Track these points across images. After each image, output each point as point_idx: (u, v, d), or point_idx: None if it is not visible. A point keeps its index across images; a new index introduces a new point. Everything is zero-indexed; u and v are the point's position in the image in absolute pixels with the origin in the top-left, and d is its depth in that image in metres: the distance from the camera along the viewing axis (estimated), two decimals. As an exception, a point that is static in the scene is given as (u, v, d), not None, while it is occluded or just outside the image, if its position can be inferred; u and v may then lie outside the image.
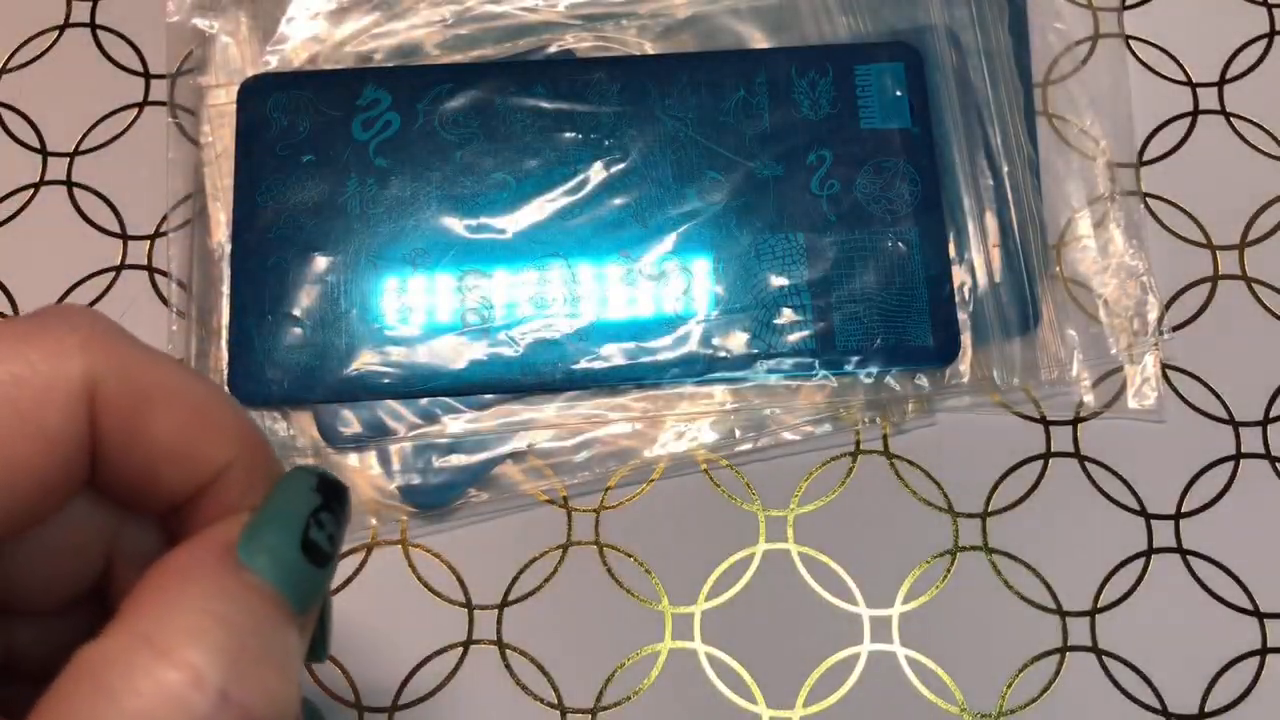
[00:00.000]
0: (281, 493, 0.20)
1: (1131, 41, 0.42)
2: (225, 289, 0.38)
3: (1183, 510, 0.36)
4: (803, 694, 0.34)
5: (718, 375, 0.37)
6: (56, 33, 0.42)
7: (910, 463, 0.37)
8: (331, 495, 0.20)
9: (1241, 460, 0.37)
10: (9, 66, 0.42)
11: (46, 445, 0.18)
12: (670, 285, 0.37)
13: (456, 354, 0.37)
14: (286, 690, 0.17)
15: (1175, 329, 0.38)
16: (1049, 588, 0.35)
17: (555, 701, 0.34)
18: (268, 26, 0.41)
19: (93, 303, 0.39)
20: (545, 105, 0.39)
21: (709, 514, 0.36)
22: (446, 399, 0.37)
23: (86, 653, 0.17)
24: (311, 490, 0.20)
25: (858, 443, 0.37)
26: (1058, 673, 0.34)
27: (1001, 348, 0.38)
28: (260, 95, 0.39)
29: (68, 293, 0.39)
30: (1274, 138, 0.40)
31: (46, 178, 0.40)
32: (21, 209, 0.40)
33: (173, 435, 0.19)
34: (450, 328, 0.37)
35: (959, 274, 0.38)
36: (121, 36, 0.42)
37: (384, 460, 0.37)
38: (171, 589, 0.17)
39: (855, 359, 0.37)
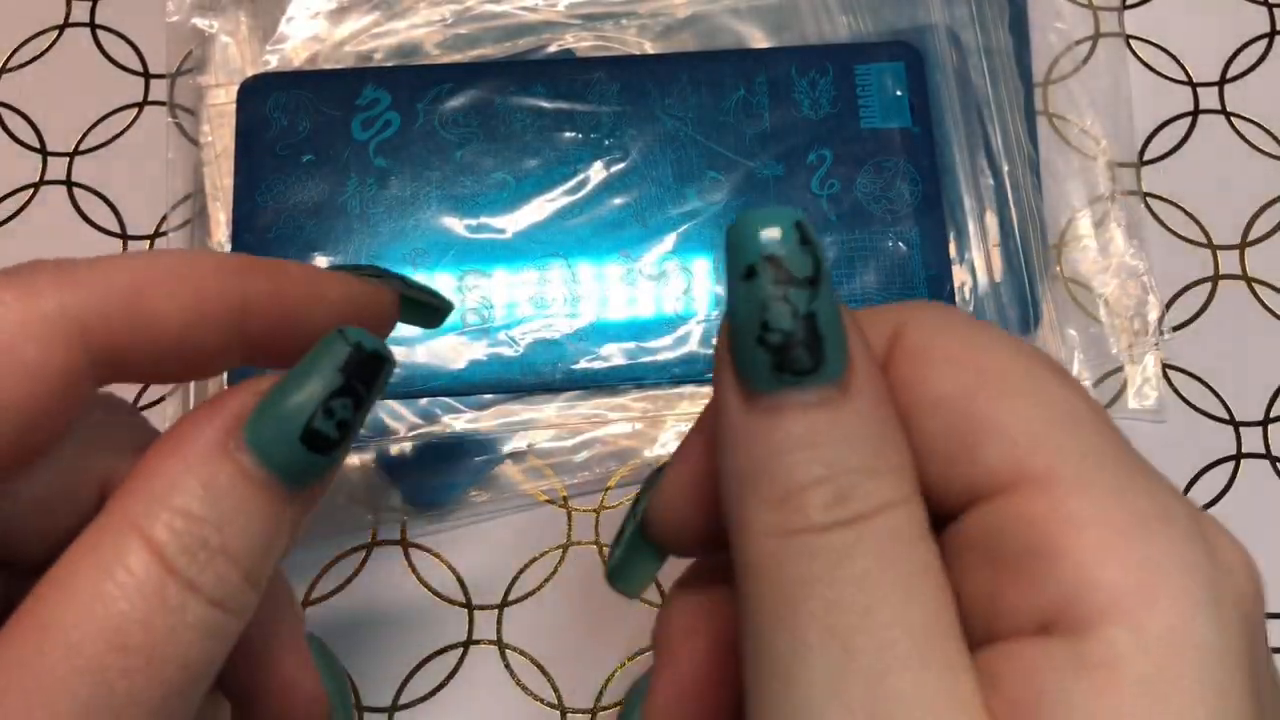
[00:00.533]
0: (301, 370, 0.20)
1: (1132, 41, 0.42)
2: (225, 289, 0.38)
3: (1183, 510, 0.36)
4: (803, 694, 0.34)
5: (718, 375, 0.37)
6: (56, 32, 0.42)
7: (910, 463, 0.37)
8: (357, 374, 0.20)
9: (1242, 460, 0.37)
10: (9, 66, 0.42)
11: (28, 378, 0.18)
12: (670, 285, 0.37)
13: (456, 354, 0.37)
14: (239, 580, 0.19)
15: (1176, 329, 0.38)
16: (1049, 588, 0.35)
17: (555, 701, 0.34)
18: (267, 26, 0.41)
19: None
20: (545, 105, 0.39)
21: (709, 514, 0.36)
22: (446, 399, 0.37)
23: (89, 532, 0.18)
24: (336, 370, 0.20)
25: (858, 443, 0.37)
26: (1058, 673, 0.34)
27: (1002, 347, 0.37)
28: (260, 95, 0.39)
29: (67, 293, 0.39)
30: (1274, 137, 0.40)
31: (46, 178, 0.40)
32: (21, 209, 0.40)
33: (177, 305, 0.20)
34: (450, 328, 0.37)
35: (959, 274, 0.38)
36: (121, 36, 0.42)
37: (384, 460, 0.37)
38: (164, 471, 0.19)
39: (855, 359, 0.37)
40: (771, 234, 0.17)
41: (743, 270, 0.17)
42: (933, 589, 0.16)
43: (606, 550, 0.34)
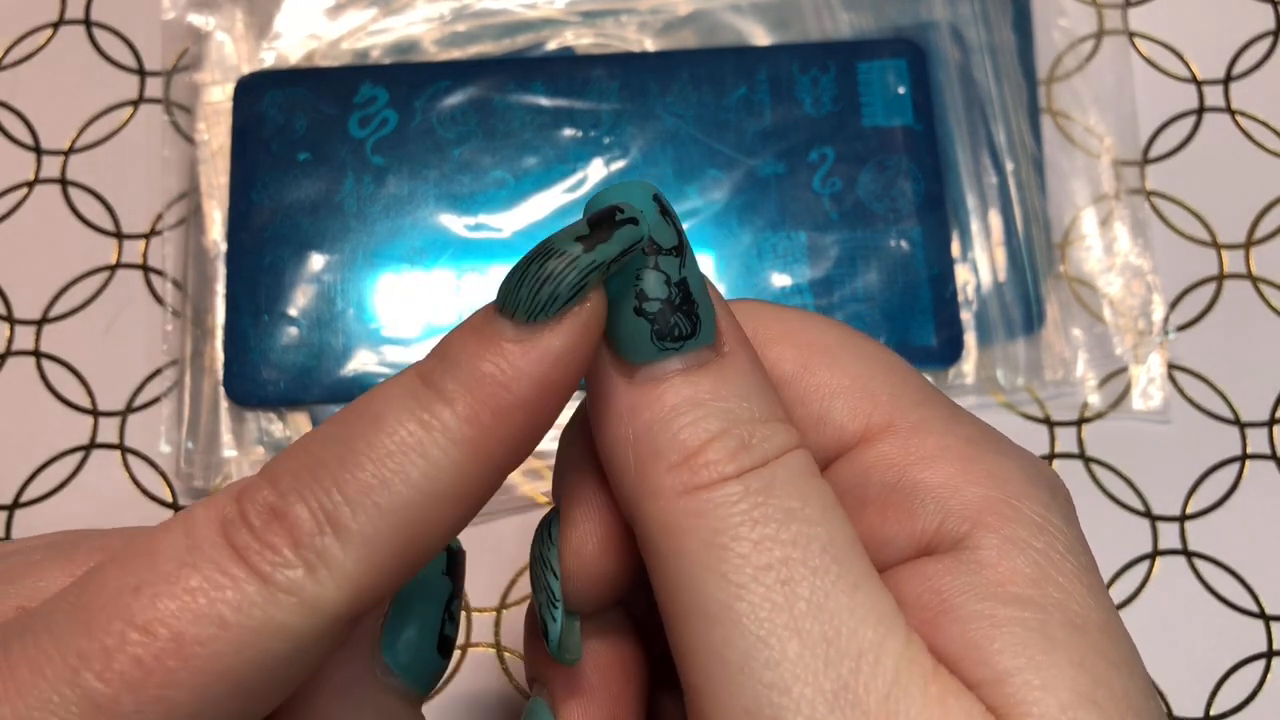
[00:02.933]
0: (417, 588, 0.20)
1: (1136, 38, 0.41)
2: (220, 288, 0.37)
3: (1188, 512, 0.36)
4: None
5: (718, 375, 0.36)
6: (51, 30, 0.42)
7: (913, 464, 0.36)
8: (457, 572, 0.21)
9: (1247, 461, 0.36)
10: (3, 63, 0.41)
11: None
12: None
13: (454, 354, 0.36)
14: None
15: (1181, 329, 0.38)
16: (1053, 590, 0.35)
17: (554, 705, 0.34)
18: (264, 23, 0.40)
19: (87, 302, 0.38)
20: (544, 102, 0.38)
21: (710, 516, 0.36)
22: (444, 399, 0.36)
23: None
24: (441, 574, 0.20)
25: (860, 443, 0.37)
26: (1062, 676, 0.34)
27: (1005, 348, 0.37)
28: (256, 93, 0.39)
29: (62, 292, 0.38)
30: (1280, 135, 0.40)
31: (41, 176, 0.40)
32: (16, 207, 0.39)
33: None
34: (448, 327, 0.36)
35: (962, 273, 0.38)
36: (117, 33, 0.42)
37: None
38: (322, 706, 0.19)
39: (857, 359, 0.36)
40: (635, 207, 0.17)
41: None
42: (843, 519, 0.18)
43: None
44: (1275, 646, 0.34)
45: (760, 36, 0.40)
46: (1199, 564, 0.35)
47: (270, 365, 0.36)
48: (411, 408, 0.17)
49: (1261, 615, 0.35)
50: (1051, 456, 0.36)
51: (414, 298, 0.37)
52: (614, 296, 0.18)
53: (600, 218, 0.17)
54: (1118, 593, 0.35)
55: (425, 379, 0.17)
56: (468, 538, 0.36)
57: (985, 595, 0.17)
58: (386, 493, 0.16)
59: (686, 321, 0.18)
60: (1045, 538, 0.18)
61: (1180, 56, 0.41)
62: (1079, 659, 0.17)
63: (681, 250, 0.18)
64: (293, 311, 0.37)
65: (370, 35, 0.40)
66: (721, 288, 0.37)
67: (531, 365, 0.17)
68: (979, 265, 0.38)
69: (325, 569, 0.16)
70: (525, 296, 0.17)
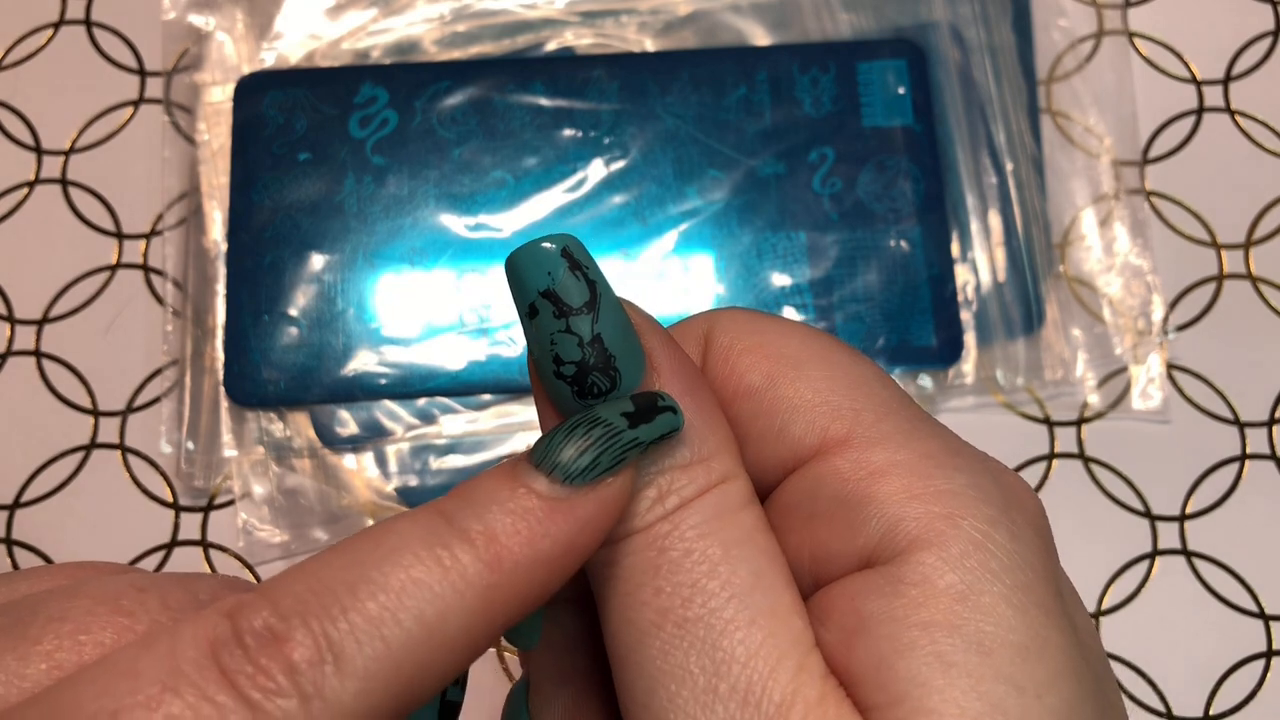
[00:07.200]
0: None
1: (1136, 38, 0.41)
2: (221, 288, 0.37)
3: (1188, 512, 0.36)
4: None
5: (718, 375, 0.36)
6: (52, 30, 0.42)
7: (913, 464, 0.36)
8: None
9: (1247, 461, 0.36)
10: (4, 64, 0.41)
11: None
12: (671, 284, 0.37)
13: (454, 354, 0.36)
14: None
15: (1180, 329, 0.38)
16: (1053, 590, 0.35)
17: (554, 705, 0.34)
18: (264, 23, 0.40)
19: (88, 302, 0.38)
20: (544, 103, 0.39)
21: (709, 515, 0.36)
22: (444, 399, 0.36)
23: None
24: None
25: (860, 443, 0.37)
26: (1062, 676, 0.34)
27: (1005, 348, 0.37)
28: (257, 93, 0.39)
29: (63, 292, 0.38)
30: (1279, 135, 0.40)
31: (41, 176, 0.40)
32: (16, 207, 0.39)
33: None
34: (448, 327, 0.37)
35: (962, 273, 0.38)
36: (117, 34, 0.42)
37: (381, 461, 0.36)
38: None
39: (857, 359, 0.36)
40: (540, 271, 0.18)
41: (525, 311, 0.18)
42: (756, 551, 0.18)
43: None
44: (1275, 646, 0.34)
45: (760, 36, 0.40)
46: (1198, 564, 0.35)
47: (270, 365, 0.36)
48: (431, 544, 0.16)
49: (1261, 615, 0.35)
50: (1051, 456, 0.37)
51: (414, 298, 0.37)
52: (537, 358, 0.18)
53: (645, 403, 0.18)
54: (1117, 593, 0.35)
55: (448, 517, 0.17)
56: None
57: (898, 615, 0.17)
58: (396, 628, 0.16)
59: (604, 378, 0.18)
60: (980, 556, 0.17)
61: (1180, 57, 0.41)
62: (974, 684, 0.16)
63: (594, 304, 0.18)
64: (293, 311, 0.37)
65: (370, 35, 0.40)
66: (721, 288, 0.37)
67: (560, 525, 0.17)
68: (979, 265, 0.38)
69: (320, 701, 0.15)
70: (567, 459, 0.17)
